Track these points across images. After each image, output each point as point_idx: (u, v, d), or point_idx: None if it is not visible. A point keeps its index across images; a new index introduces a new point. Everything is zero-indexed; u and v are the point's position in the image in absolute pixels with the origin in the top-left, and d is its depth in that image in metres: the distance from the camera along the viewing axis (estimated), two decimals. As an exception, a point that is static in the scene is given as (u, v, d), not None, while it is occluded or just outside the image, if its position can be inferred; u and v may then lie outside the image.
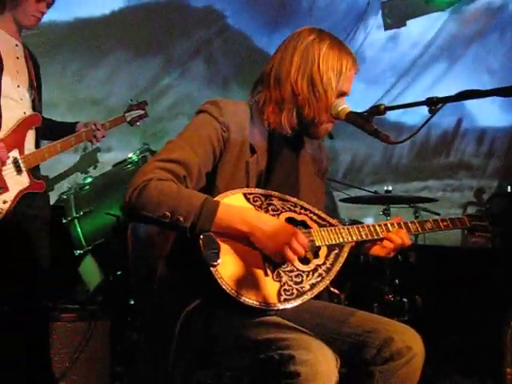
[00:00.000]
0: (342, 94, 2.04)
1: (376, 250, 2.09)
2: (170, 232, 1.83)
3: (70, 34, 4.65)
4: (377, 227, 2.06)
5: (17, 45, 3.27)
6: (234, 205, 1.83)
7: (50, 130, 3.46)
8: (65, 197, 3.81)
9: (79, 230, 3.66)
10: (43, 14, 3.29)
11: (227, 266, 1.73)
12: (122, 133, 4.81)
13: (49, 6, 3.30)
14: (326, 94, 1.99)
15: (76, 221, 3.66)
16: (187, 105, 5.50)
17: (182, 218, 1.74)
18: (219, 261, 1.72)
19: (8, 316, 3.16)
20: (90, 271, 3.77)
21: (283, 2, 5.83)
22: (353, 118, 1.93)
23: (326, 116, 2.02)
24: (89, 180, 3.85)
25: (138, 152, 3.80)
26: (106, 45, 4.94)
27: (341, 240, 1.95)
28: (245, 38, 5.79)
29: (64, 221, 3.70)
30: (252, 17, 5.79)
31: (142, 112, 4.04)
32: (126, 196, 1.79)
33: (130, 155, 3.84)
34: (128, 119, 3.94)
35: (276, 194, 1.94)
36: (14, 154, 3.12)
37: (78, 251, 3.66)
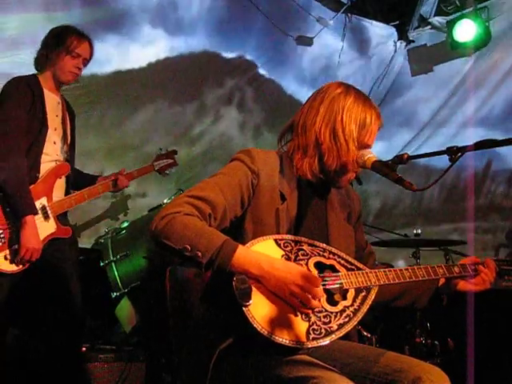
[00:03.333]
0: (365, 147, 2.13)
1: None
2: (205, 274, 1.92)
3: (108, 86, 4.79)
4: (404, 271, 2.11)
5: (58, 102, 3.44)
6: (253, 250, 1.90)
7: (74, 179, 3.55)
8: (102, 241, 3.93)
9: (116, 272, 3.76)
10: (80, 69, 3.45)
11: (258, 307, 1.80)
12: (158, 179, 4.92)
13: (85, 62, 3.46)
14: (347, 145, 2.09)
15: (113, 264, 3.77)
16: (220, 151, 5.61)
17: (200, 254, 1.82)
18: (251, 301, 1.79)
19: (43, 354, 3.27)
20: (126, 313, 3.83)
21: (312, 54, 5.93)
22: (378, 166, 2.03)
23: (348, 166, 2.11)
24: (125, 224, 3.96)
25: (172, 197, 3.90)
26: (143, 95, 5.05)
27: (368, 283, 2.01)
28: (275, 86, 5.89)
29: (101, 264, 3.82)
30: (282, 66, 5.90)
31: (171, 161, 4.17)
32: (153, 223, 1.90)
33: (165, 200, 3.96)
34: (156, 168, 4.09)
35: (305, 239, 2.02)
36: (43, 201, 3.25)
37: (115, 293, 3.75)
